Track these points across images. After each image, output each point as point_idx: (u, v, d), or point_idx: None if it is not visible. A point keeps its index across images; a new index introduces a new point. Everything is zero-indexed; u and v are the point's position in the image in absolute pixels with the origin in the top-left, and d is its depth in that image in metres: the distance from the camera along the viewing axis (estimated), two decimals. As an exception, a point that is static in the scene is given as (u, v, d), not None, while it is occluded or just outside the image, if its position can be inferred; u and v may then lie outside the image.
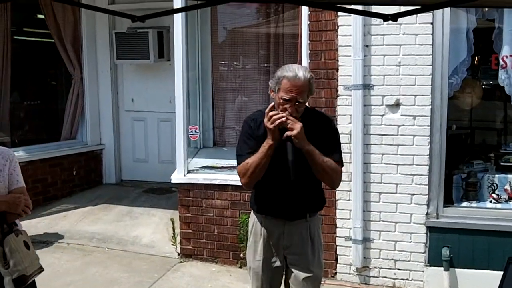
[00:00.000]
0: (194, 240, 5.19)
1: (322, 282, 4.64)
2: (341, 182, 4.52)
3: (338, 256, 4.75)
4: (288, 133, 2.71)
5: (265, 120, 2.74)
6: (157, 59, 6.61)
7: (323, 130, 2.92)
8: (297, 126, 2.70)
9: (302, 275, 2.98)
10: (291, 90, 2.74)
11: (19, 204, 2.76)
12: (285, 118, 2.70)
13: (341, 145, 3.04)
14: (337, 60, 4.57)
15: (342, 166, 2.98)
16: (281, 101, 2.77)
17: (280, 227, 2.98)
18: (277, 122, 2.69)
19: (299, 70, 2.78)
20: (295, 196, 2.93)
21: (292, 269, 3.02)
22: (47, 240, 5.63)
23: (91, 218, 6.13)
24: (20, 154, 6.31)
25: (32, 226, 5.83)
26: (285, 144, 2.84)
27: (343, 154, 3.05)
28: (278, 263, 3.02)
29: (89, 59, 7.01)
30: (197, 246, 5.18)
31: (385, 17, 2.22)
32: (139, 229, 5.82)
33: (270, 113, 2.72)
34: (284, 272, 3.08)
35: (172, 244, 5.40)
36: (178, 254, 5.28)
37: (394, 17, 2.18)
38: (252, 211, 3.13)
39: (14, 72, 6.79)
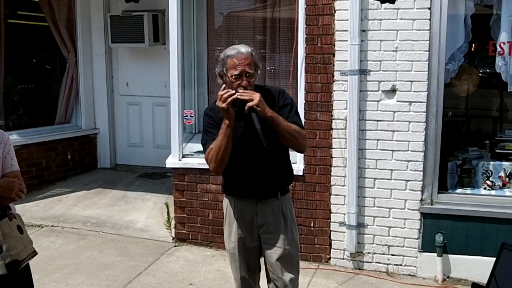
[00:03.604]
0: (188, 225, 5.19)
1: (315, 267, 4.73)
2: (336, 168, 4.64)
3: (332, 242, 4.77)
4: (249, 104, 2.76)
5: (218, 102, 2.80)
6: (152, 43, 6.55)
7: (278, 102, 2.98)
8: (256, 96, 2.78)
9: (276, 255, 3.02)
10: (238, 64, 2.83)
11: (12, 188, 2.69)
12: (235, 94, 2.77)
13: (299, 111, 3.10)
14: (334, 45, 4.53)
15: (304, 130, 3.06)
16: (232, 79, 2.85)
17: (252, 207, 3.04)
18: (229, 99, 2.76)
19: (240, 46, 2.90)
20: (263, 174, 2.97)
21: (266, 250, 3.06)
22: (42, 224, 5.63)
23: (85, 202, 6.12)
24: (14, 137, 6.29)
25: (26, 210, 5.83)
26: (244, 122, 2.87)
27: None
28: (253, 243, 3.08)
29: (83, 43, 6.94)
30: (192, 230, 5.19)
31: (383, -1, 2.20)
32: (133, 214, 5.83)
33: (221, 93, 2.79)
34: (261, 252, 3.13)
35: (167, 229, 5.40)
36: (173, 239, 5.28)
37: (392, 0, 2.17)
38: (224, 195, 3.18)
39: (8, 56, 6.73)
